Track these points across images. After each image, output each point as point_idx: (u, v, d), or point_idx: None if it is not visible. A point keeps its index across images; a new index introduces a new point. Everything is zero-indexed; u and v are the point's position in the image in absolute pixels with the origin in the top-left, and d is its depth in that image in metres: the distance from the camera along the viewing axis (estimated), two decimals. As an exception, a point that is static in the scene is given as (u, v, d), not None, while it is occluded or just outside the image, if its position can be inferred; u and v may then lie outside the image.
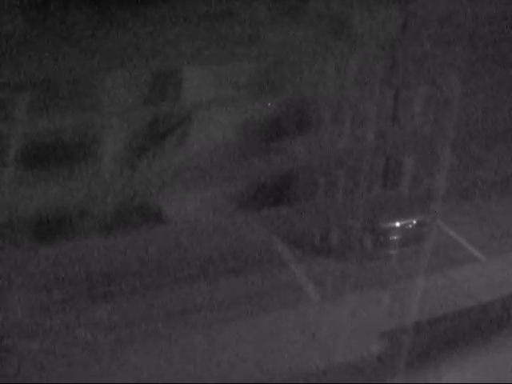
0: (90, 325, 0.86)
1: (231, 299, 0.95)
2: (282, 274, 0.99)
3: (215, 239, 0.77)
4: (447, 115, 0.98)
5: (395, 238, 1.03)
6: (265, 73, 0.78)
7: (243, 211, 0.83)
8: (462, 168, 1.03)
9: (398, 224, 1.02)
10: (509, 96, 0.90)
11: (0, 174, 0.69)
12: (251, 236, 0.79)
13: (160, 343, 0.83)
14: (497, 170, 1.01)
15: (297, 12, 0.70)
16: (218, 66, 0.72)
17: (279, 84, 0.78)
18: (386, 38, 0.77)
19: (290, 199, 0.88)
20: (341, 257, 1.02)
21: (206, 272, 0.85)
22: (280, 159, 0.75)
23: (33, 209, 0.66)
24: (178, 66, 0.70)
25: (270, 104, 0.80)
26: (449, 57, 0.82)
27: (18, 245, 0.77)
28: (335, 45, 0.76)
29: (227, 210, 0.88)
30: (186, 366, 0.81)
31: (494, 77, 0.87)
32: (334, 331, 0.89)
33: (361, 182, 0.92)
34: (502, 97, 0.91)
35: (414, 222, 1.03)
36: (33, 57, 0.63)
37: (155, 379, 0.79)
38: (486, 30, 0.83)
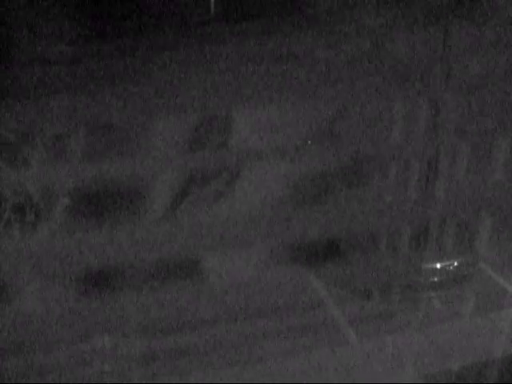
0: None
1: (269, 340, 0.94)
2: (321, 316, 0.98)
3: (256, 290, 0.78)
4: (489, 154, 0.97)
5: (436, 279, 1.01)
6: (325, 123, 0.79)
7: (290, 265, 0.83)
8: (506, 208, 1.01)
9: (438, 265, 1.00)
10: None
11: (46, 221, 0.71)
12: (292, 280, 0.79)
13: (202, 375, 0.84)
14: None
15: (365, 58, 0.70)
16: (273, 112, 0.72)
17: (338, 136, 0.79)
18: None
19: (339, 254, 0.88)
20: (381, 298, 1.01)
21: (245, 313, 0.86)
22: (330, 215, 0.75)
23: (77, 261, 0.67)
24: (230, 111, 0.71)
25: (309, 142, 0.80)
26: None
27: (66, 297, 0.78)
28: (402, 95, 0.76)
29: (272, 266, 0.88)
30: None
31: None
32: (372, 374, 0.88)
33: (403, 226, 0.91)
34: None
35: (456, 263, 1.02)
36: (82, 102, 0.64)
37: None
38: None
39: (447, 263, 0.99)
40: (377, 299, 0.96)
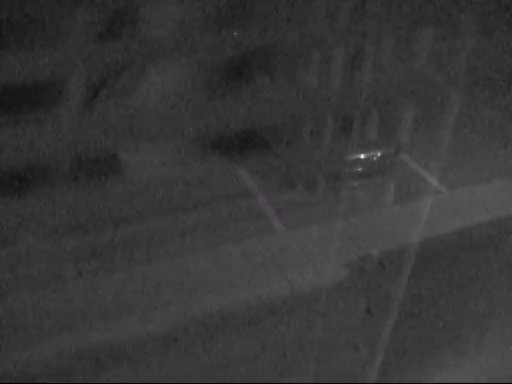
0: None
1: (197, 229, 0.96)
2: (248, 204, 1.00)
3: (181, 177, 0.77)
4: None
5: (359, 169, 1.05)
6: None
7: (209, 152, 0.83)
8: (426, 100, 1.04)
9: (362, 156, 1.03)
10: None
11: None
12: (218, 170, 0.79)
13: (136, 269, 0.85)
14: (463, 105, 1.02)
15: None
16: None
17: (255, 19, 0.77)
18: None
19: (262, 145, 0.87)
20: (305, 188, 1.03)
21: (173, 205, 0.86)
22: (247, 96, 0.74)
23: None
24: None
25: (236, 34, 0.78)
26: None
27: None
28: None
29: (192, 158, 0.88)
30: (150, 290, 0.83)
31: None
32: (297, 260, 0.92)
33: (326, 116, 0.92)
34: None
35: (378, 154, 1.05)
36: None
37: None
38: None
39: (370, 154, 1.02)
40: (302, 189, 0.98)
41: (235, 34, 0.84)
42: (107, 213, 0.79)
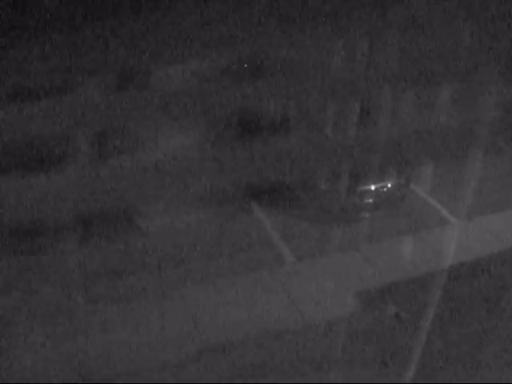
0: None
1: (208, 261, 0.95)
2: (259, 236, 0.99)
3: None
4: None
5: (370, 200, 1.04)
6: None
7: (223, 176, 0.84)
8: (436, 133, 1.04)
9: (372, 187, 1.03)
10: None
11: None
12: (231, 202, 0.79)
13: (144, 299, 0.84)
14: (469, 135, 1.02)
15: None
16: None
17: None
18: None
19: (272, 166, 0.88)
20: (316, 219, 1.03)
21: (195, 250, 0.86)
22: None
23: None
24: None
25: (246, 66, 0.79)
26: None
27: None
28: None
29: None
30: (160, 325, 0.82)
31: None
32: (308, 291, 0.91)
33: (338, 148, 0.92)
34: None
35: (389, 185, 1.05)
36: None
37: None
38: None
39: (380, 185, 1.02)
40: (313, 220, 0.98)
41: (245, 66, 0.85)
42: (121, 264, 0.79)
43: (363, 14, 0.85)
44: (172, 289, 0.90)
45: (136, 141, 0.81)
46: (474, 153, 1.09)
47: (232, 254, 0.93)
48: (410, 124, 1.00)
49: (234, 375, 0.84)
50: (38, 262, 0.79)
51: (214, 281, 0.91)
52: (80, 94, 0.73)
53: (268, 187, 0.90)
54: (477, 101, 0.97)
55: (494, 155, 1.18)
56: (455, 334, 0.98)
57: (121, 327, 0.84)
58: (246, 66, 0.85)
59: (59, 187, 0.66)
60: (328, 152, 0.99)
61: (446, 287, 1.04)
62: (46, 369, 0.77)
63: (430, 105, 0.99)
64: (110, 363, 0.80)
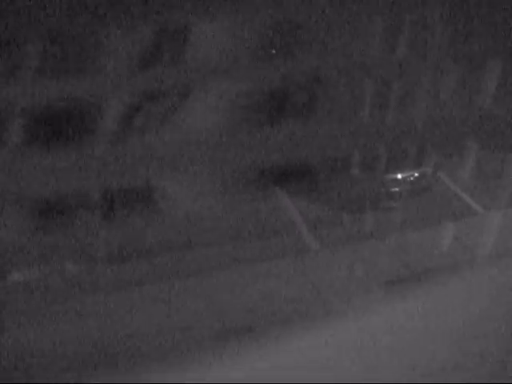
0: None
1: (231, 248, 0.96)
2: (284, 223, 1.00)
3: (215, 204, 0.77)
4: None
5: (397, 189, 1.03)
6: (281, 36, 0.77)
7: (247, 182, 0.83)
8: (465, 120, 1.03)
9: (399, 176, 1.02)
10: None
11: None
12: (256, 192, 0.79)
13: (159, 286, 0.85)
14: (500, 124, 1.01)
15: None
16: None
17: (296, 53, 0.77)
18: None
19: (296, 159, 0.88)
20: (342, 207, 1.03)
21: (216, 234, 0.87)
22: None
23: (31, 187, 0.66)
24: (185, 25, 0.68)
25: (274, 51, 0.78)
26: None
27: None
28: None
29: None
30: (182, 309, 0.82)
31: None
32: (333, 280, 0.91)
33: (364, 136, 0.91)
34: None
35: (416, 174, 1.04)
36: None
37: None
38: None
39: (408, 174, 1.01)
40: (339, 208, 0.98)
41: (273, 51, 0.85)
42: (143, 244, 0.80)
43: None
44: (188, 273, 0.91)
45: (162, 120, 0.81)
46: (505, 143, 1.08)
47: (254, 240, 0.93)
48: (440, 112, 0.99)
49: (251, 361, 0.85)
50: (59, 240, 0.80)
51: (234, 267, 0.92)
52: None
53: (293, 172, 0.90)
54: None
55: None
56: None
57: (136, 310, 0.85)
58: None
59: (81, 160, 0.66)
60: (356, 138, 0.98)
61: (474, 279, 1.03)
62: (63, 345, 0.78)
63: (466, 92, 0.98)
64: (126, 344, 0.81)
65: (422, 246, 1.04)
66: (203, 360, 0.78)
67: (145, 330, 0.81)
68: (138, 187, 0.82)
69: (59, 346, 0.79)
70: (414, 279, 0.99)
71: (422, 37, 0.88)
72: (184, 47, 0.81)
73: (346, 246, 1.01)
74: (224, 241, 0.94)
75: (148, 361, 0.78)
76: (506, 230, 1.11)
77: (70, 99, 0.66)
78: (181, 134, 0.87)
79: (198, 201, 0.96)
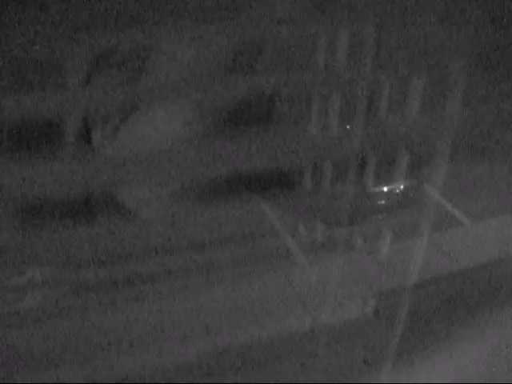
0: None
1: (218, 264, 0.95)
2: (270, 239, 0.99)
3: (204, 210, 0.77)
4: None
5: (382, 202, 1.04)
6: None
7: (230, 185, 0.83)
8: (449, 132, 1.04)
9: (385, 189, 1.03)
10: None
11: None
12: (240, 203, 0.79)
13: (157, 301, 0.84)
14: (483, 134, 1.02)
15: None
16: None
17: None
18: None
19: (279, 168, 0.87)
20: (327, 221, 1.02)
21: (195, 240, 0.86)
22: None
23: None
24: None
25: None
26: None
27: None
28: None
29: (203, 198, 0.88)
30: (174, 324, 0.82)
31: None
32: (321, 295, 0.91)
33: (349, 149, 0.92)
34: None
35: (401, 186, 1.04)
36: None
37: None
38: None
39: (393, 186, 1.01)
40: (324, 222, 0.98)
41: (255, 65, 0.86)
42: (119, 249, 0.79)
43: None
44: (156, 280, 0.90)
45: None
46: (489, 153, 1.08)
47: (241, 258, 0.92)
48: (424, 122, 0.99)
49: (244, 376, 0.84)
50: (32, 241, 0.78)
51: (216, 283, 0.91)
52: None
53: (277, 185, 0.90)
54: (498, 98, 0.97)
55: (511, 155, 1.18)
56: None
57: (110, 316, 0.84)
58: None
59: (48, 169, 0.66)
60: (341, 152, 0.98)
61: (459, 289, 1.03)
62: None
63: (446, 101, 0.99)
64: (121, 346, 0.80)
65: (409, 258, 1.04)
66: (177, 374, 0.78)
67: (120, 334, 0.80)
68: (103, 195, 0.82)
69: (50, 347, 0.78)
70: (401, 291, 1.00)
71: (386, 50, 0.88)
72: (146, 63, 0.80)
73: (332, 259, 1.02)
74: (195, 247, 0.93)
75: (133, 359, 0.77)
76: (492, 240, 1.12)
77: (34, 112, 0.66)
78: (147, 145, 0.87)
79: (170, 206, 0.96)
